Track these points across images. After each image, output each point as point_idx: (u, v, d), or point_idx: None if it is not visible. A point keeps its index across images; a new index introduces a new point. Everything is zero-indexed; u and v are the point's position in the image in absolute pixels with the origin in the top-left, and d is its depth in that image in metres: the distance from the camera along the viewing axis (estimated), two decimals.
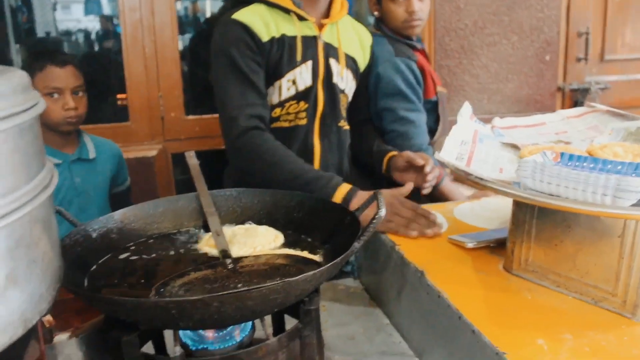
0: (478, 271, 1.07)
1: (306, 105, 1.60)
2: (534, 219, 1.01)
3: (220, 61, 1.52)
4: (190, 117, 2.36)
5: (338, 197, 1.36)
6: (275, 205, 1.11)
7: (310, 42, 1.58)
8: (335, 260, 0.75)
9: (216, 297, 0.66)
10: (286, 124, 1.60)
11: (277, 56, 1.54)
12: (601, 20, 2.79)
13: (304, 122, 1.61)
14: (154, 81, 2.33)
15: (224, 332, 0.85)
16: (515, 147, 1.20)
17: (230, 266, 0.82)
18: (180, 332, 0.83)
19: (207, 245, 0.97)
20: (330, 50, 1.62)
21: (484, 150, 1.15)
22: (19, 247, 0.54)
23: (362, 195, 1.35)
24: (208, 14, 4.02)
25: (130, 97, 2.33)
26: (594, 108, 1.39)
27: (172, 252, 0.97)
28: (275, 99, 1.58)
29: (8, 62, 2.71)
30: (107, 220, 0.99)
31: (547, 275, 1.00)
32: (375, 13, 1.96)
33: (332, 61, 1.62)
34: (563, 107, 2.73)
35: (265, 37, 1.52)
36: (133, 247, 0.99)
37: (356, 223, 0.92)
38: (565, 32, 2.74)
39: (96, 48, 3.49)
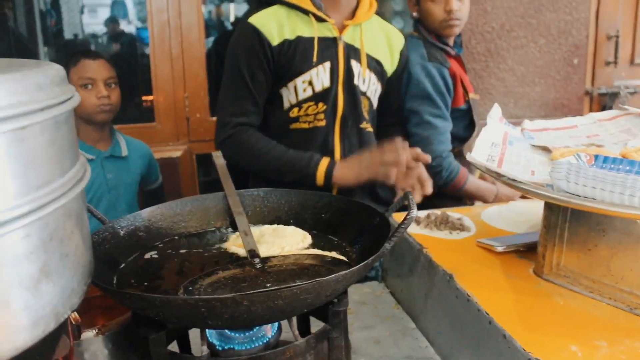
0: (508, 275, 1.05)
1: (325, 107, 1.60)
2: (566, 222, 0.99)
3: (228, 62, 1.59)
4: (216, 118, 2.37)
5: (320, 173, 1.51)
6: (303, 206, 1.10)
7: (329, 44, 1.59)
8: (366, 261, 0.74)
9: (247, 295, 0.65)
10: (305, 125, 1.61)
11: (290, 57, 1.55)
12: (631, 23, 2.74)
13: (323, 123, 1.62)
14: (180, 82, 2.34)
15: (251, 332, 0.84)
16: (546, 149, 1.18)
17: (258, 266, 0.82)
18: (207, 332, 0.83)
19: (234, 244, 0.96)
20: (352, 52, 1.62)
21: (515, 152, 1.13)
22: (53, 240, 0.54)
23: (341, 165, 1.50)
24: (232, 18, 4.04)
25: (157, 98, 2.35)
26: (626, 111, 1.36)
27: (199, 251, 0.97)
28: (292, 99, 1.60)
29: (71, 55, 2.77)
30: (134, 219, 0.99)
31: (580, 281, 0.98)
32: (414, 14, 1.95)
33: (353, 63, 1.62)
34: (591, 111, 2.68)
35: (276, 40, 1.55)
36: (160, 246, 0.99)
37: (385, 223, 0.91)
38: (594, 35, 2.70)
39: (123, 50, 3.53)
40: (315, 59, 1.56)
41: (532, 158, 1.12)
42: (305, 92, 1.58)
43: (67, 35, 3.78)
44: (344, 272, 0.70)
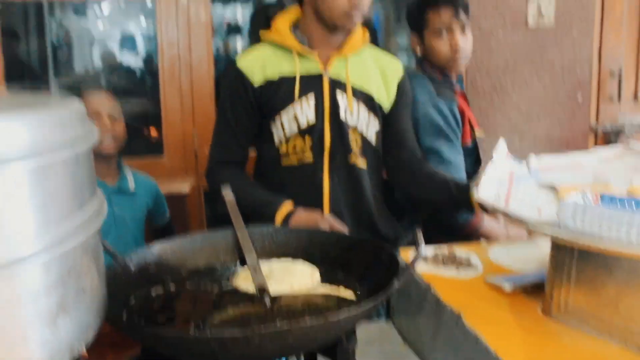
0: (516, 314, 1.05)
1: (311, 142, 1.62)
2: (573, 261, 0.99)
3: (219, 100, 1.71)
4: None
5: (278, 220, 1.50)
6: (311, 242, 1.11)
7: (312, 79, 1.62)
8: (374, 299, 0.75)
9: (258, 334, 0.66)
10: (295, 161, 1.64)
11: (272, 95, 1.61)
12: (634, 59, 2.78)
13: (310, 159, 1.63)
14: (188, 116, 2.38)
15: None
16: (552, 187, 1.19)
17: (268, 304, 0.82)
18: None
19: (243, 280, 0.97)
20: (337, 86, 1.63)
21: (521, 189, 1.14)
22: (71, 275, 0.55)
23: (298, 214, 1.49)
24: (239, 51, 4.12)
25: (165, 131, 2.38)
26: (633, 149, 1.38)
27: (208, 287, 0.98)
28: (280, 135, 1.63)
29: (74, 88, 2.84)
30: (145, 254, 1.01)
31: (589, 320, 0.97)
32: (418, 51, 1.95)
33: (339, 97, 1.63)
34: (595, 146, 2.70)
35: (258, 82, 1.61)
36: (170, 281, 1.00)
37: (393, 260, 0.92)
38: (597, 72, 2.73)
39: (131, 83, 3.60)
40: (296, 95, 1.60)
41: (538, 196, 1.14)
42: (291, 128, 1.62)
43: (78, 67, 3.85)
44: (354, 310, 0.71)
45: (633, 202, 0.94)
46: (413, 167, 1.73)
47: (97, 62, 4.14)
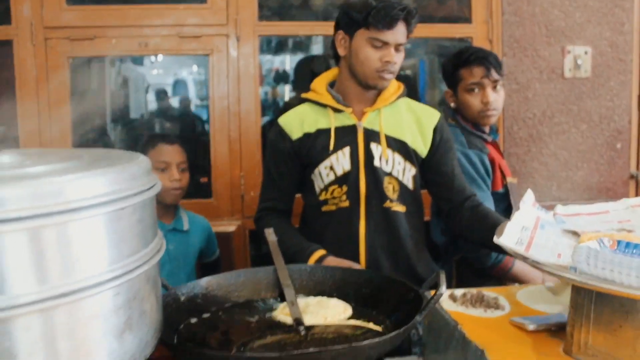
0: (538, 353, 1.10)
1: (347, 188, 1.72)
2: (592, 303, 1.04)
3: (264, 156, 1.89)
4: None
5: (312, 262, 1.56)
6: (345, 281, 1.21)
7: (347, 131, 1.74)
8: (398, 331, 0.83)
9: (291, 356, 0.75)
10: (333, 207, 1.74)
11: (310, 148, 1.74)
12: None
13: (346, 204, 1.73)
14: (236, 162, 2.52)
15: None
16: (576, 234, 1.25)
17: (302, 332, 0.91)
18: None
19: (282, 313, 1.07)
20: (371, 135, 1.73)
21: (545, 236, 1.21)
22: (136, 299, 0.69)
23: (327, 261, 1.54)
24: (286, 98, 4.29)
25: (214, 176, 2.53)
26: None
27: (250, 318, 1.08)
28: (320, 184, 1.75)
29: (106, 139, 3.02)
30: (194, 286, 1.12)
31: None
32: (452, 104, 2.06)
33: (373, 145, 1.73)
34: (637, 195, 2.70)
35: (297, 135, 1.76)
36: (215, 311, 1.10)
37: (419, 299, 1.00)
38: (637, 120, 2.75)
39: (184, 128, 3.77)
40: (331, 147, 1.72)
41: (560, 242, 1.19)
42: (328, 177, 1.73)
43: (133, 114, 4.08)
44: (377, 339, 0.79)
45: None
46: (460, 209, 1.79)
47: (151, 106, 4.38)
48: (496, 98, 1.96)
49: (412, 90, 2.97)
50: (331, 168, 1.73)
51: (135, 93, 4.10)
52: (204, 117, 3.30)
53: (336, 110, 1.75)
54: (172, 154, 2.04)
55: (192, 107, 4.12)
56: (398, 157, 1.75)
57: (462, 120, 2.02)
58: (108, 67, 3.63)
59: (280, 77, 4.29)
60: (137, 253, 0.70)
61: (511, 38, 2.61)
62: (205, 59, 2.53)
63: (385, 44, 1.66)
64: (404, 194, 1.76)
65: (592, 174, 2.70)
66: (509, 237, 1.15)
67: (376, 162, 1.72)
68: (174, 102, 4.15)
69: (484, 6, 2.63)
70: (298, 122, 1.77)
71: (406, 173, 1.76)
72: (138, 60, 4.15)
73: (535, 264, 1.04)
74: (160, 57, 4.33)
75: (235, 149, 2.52)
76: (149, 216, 0.75)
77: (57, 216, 0.62)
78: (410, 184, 1.77)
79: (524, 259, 1.07)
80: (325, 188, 1.75)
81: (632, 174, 2.75)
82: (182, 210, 2.16)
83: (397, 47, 1.69)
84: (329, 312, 1.03)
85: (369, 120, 1.75)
